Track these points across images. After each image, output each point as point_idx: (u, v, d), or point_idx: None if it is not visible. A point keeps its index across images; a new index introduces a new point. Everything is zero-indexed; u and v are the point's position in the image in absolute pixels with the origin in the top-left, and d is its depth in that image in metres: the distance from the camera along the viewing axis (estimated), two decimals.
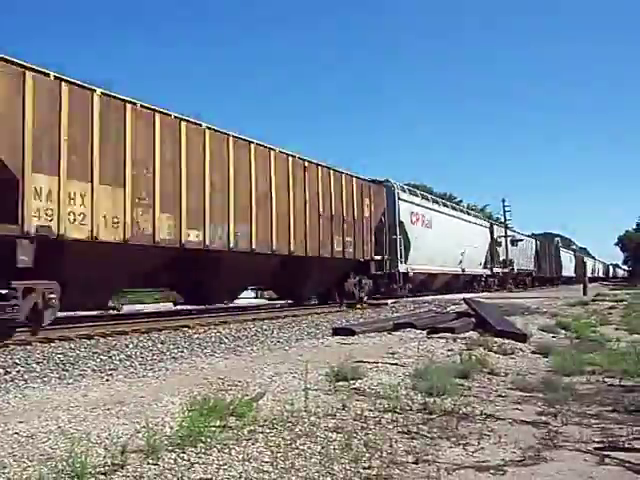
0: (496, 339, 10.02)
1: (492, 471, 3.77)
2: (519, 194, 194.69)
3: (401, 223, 26.60)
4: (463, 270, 35.12)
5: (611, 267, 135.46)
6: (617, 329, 12.84)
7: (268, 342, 11.45)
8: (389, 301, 23.37)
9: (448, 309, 18.14)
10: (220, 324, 14.58)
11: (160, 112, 13.78)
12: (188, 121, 14.59)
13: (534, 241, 57.04)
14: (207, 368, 7.65)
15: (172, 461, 3.66)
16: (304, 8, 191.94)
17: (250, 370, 7.27)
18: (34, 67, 11.06)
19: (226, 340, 11.82)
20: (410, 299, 24.60)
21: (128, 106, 12.80)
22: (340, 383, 6.18)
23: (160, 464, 3.60)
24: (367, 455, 3.93)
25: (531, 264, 54.42)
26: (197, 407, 4.47)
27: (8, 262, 10.33)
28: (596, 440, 4.46)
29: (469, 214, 40.60)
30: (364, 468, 3.72)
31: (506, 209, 46.91)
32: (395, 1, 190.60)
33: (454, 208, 38.32)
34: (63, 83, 11.44)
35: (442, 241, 31.14)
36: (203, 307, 18.28)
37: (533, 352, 9.32)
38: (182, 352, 10.10)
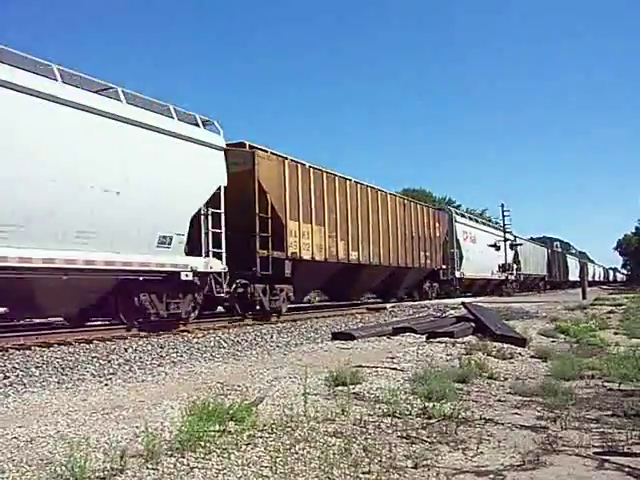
0: (495, 343, 10.01)
1: (491, 476, 3.76)
2: (517, 198, 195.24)
3: (457, 240, 34.59)
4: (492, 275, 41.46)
5: (610, 271, 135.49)
6: (616, 333, 12.84)
7: (267, 346, 11.45)
8: (388, 305, 23.50)
9: (447, 313, 18.16)
10: (219, 328, 14.58)
11: (338, 176, 22.24)
12: (348, 179, 23.06)
13: (546, 249, 63.38)
14: (206, 372, 7.65)
15: (171, 466, 3.66)
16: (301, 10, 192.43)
17: (249, 374, 7.27)
18: (287, 157, 19.36)
19: (225, 344, 11.82)
20: (409, 304, 24.75)
21: (324, 174, 21.18)
22: (339, 388, 6.18)
23: (159, 469, 3.60)
24: (366, 460, 3.93)
25: (544, 270, 60.61)
26: (196, 412, 4.46)
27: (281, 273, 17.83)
28: (596, 445, 4.46)
29: (496, 227, 46.60)
30: (363, 473, 3.72)
31: (505, 213, 46.73)
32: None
33: (484, 224, 45.16)
34: (298, 164, 19.82)
35: (481, 253, 38.25)
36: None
37: (532, 356, 9.31)
38: (181, 357, 10.10)
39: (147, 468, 3.60)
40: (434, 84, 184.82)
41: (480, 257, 37.70)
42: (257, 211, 17.08)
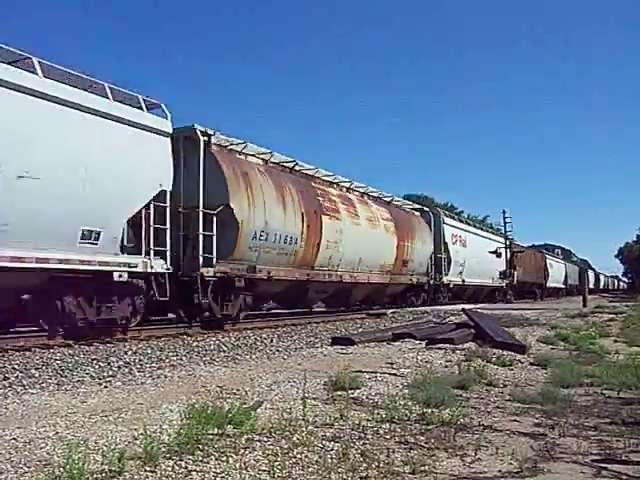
0: (495, 350, 10.02)
1: None
2: (520, 205, 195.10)
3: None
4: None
5: (611, 279, 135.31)
6: (616, 341, 12.84)
7: (267, 351, 11.44)
8: (389, 311, 23.36)
9: (447, 320, 18.14)
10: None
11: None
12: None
13: (564, 264, 68.01)
14: (206, 376, 7.65)
15: (169, 468, 3.67)
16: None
17: (248, 378, 7.27)
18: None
19: (225, 348, 11.81)
20: (409, 309, 24.66)
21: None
22: (338, 392, 6.19)
23: (157, 471, 3.60)
24: (364, 465, 3.93)
25: (561, 282, 65.04)
26: (195, 415, 4.47)
27: None
28: (593, 452, 4.46)
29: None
30: (361, 478, 3.73)
31: (507, 220, 46.70)
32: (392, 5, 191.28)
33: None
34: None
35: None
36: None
37: (532, 363, 9.31)
38: (181, 360, 10.09)
39: (145, 471, 3.61)
40: (438, 89, 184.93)
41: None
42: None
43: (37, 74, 10.93)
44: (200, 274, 14.62)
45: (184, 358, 10.28)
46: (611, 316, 21.63)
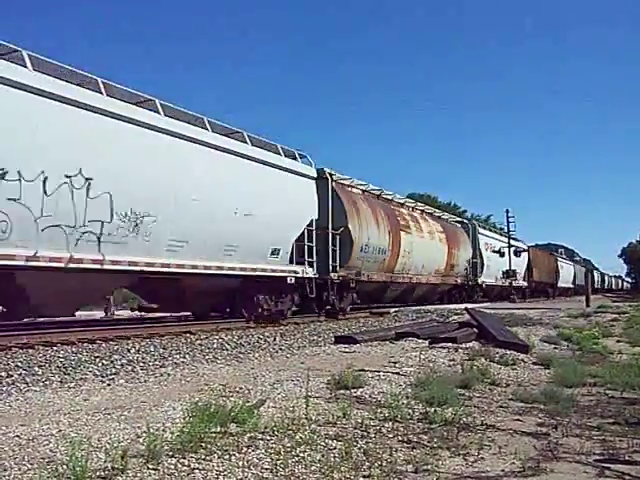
0: (498, 350, 10.01)
1: None
2: (523, 204, 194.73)
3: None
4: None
5: (614, 279, 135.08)
6: (619, 341, 12.84)
7: (270, 349, 11.45)
8: (392, 310, 23.40)
9: (450, 319, 18.13)
10: (222, 330, 14.57)
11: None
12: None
13: (573, 266, 71.09)
14: (209, 374, 7.66)
15: (172, 466, 3.67)
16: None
17: (252, 377, 7.28)
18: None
19: (228, 346, 11.81)
20: (413, 308, 24.66)
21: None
22: (341, 391, 6.20)
23: (160, 469, 3.61)
24: (367, 464, 3.94)
25: (570, 282, 67.81)
26: (198, 413, 4.47)
27: None
28: (596, 452, 4.46)
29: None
30: (364, 477, 3.73)
31: (510, 220, 46.66)
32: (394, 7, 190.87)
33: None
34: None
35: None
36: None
37: (535, 363, 9.31)
38: (184, 358, 10.09)
39: (148, 468, 3.61)
40: (441, 90, 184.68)
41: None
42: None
43: (247, 143, 16.17)
44: (330, 278, 19.91)
45: (187, 356, 10.28)
46: (614, 316, 21.61)
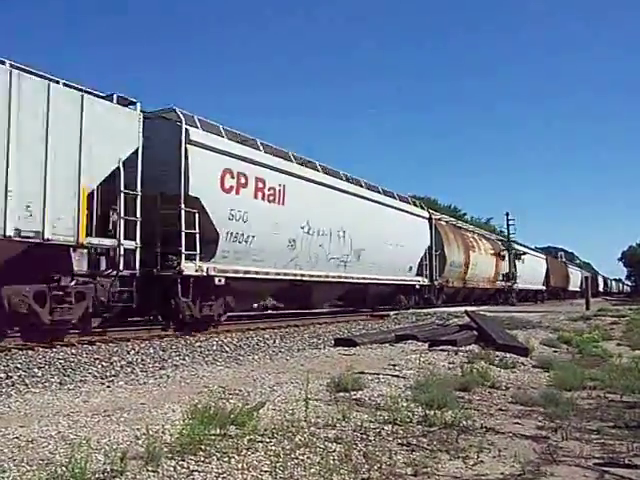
0: (497, 352, 10.00)
1: None
2: (523, 207, 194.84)
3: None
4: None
5: (614, 282, 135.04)
6: (619, 344, 12.82)
7: (270, 351, 11.45)
8: (391, 313, 23.47)
9: (450, 322, 18.13)
10: (222, 332, 14.58)
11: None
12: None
13: (580, 272, 78.25)
14: (208, 376, 7.65)
15: (172, 469, 3.66)
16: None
17: (251, 379, 7.27)
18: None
19: (228, 349, 11.82)
20: (411, 311, 24.84)
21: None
22: (341, 394, 6.19)
23: (159, 471, 3.60)
24: (366, 466, 3.93)
25: (578, 286, 73.17)
26: (197, 415, 4.47)
27: None
28: (596, 456, 4.45)
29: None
30: (363, 479, 3.72)
31: (510, 223, 46.67)
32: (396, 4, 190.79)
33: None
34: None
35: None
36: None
37: (534, 366, 9.30)
38: (184, 360, 10.10)
39: (147, 470, 3.60)
40: (442, 93, 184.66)
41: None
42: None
43: (380, 193, 25.29)
44: (434, 285, 29.93)
45: (187, 358, 10.30)
46: (614, 319, 21.61)
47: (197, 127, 14.66)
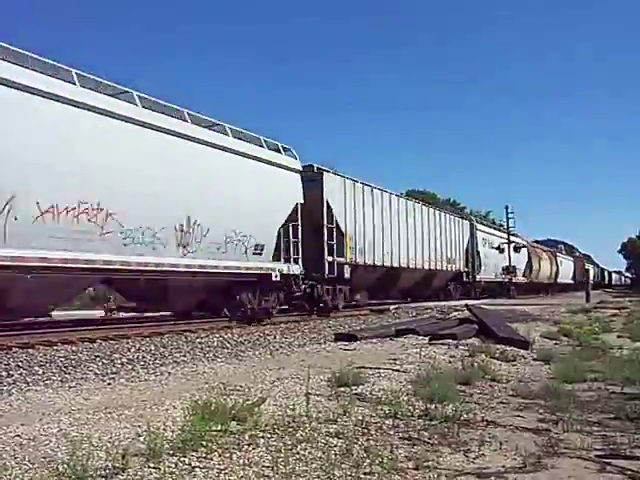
0: (498, 346, 10.02)
1: (493, 478, 3.77)
2: (522, 200, 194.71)
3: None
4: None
5: (614, 274, 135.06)
6: (620, 336, 12.83)
7: (270, 347, 11.46)
8: (391, 307, 23.44)
9: (450, 315, 18.14)
10: (223, 329, 14.59)
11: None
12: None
13: (592, 267, 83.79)
14: (209, 373, 7.66)
15: (173, 465, 3.67)
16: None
17: (252, 375, 7.28)
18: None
19: (228, 345, 11.82)
20: (413, 305, 24.74)
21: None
22: (342, 389, 6.19)
23: (161, 468, 3.60)
24: (368, 461, 3.93)
25: (569, 277, 74.76)
26: (198, 411, 4.47)
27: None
28: (597, 448, 4.46)
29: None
30: (365, 474, 3.72)
31: (509, 216, 46.76)
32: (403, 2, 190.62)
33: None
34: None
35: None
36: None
37: (535, 359, 9.32)
38: (184, 356, 10.11)
39: (149, 467, 3.61)
40: (440, 85, 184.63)
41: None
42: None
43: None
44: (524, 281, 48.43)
45: (187, 355, 10.30)
46: (614, 311, 21.63)
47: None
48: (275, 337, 13.34)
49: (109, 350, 10.38)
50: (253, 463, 3.80)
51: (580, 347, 10.62)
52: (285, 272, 17.58)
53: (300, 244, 18.25)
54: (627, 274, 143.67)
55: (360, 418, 5.05)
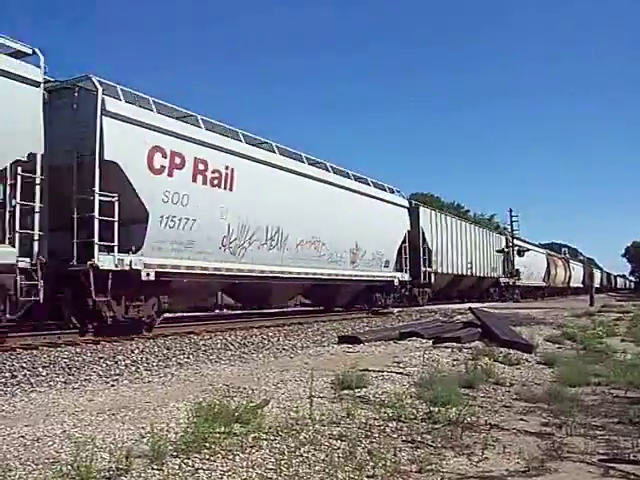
0: (502, 349, 9.99)
1: None
2: (526, 204, 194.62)
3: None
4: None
5: (618, 278, 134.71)
6: (623, 340, 12.79)
7: (274, 349, 11.45)
8: (395, 310, 23.47)
9: (454, 319, 18.10)
10: (226, 331, 14.59)
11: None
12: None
13: (599, 272, 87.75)
14: (212, 374, 7.66)
15: (176, 466, 3.67)
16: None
17: (255, 377, 7.28)
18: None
19: (232, 347, 11.82)
20: (415, 308, 24.82)
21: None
22: (345, 391, 6.19)
23: (164, 469, 3.61)
24: (371, 464, 3.93)
25: (596, 283, 76.61)
26: (202, 413, 4.47)
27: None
28: (601, 452, 4.46)
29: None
30: (368, 477, 3.73)
31: (514, 219, 46.70)
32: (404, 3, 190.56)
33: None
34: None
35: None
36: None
37: (539, 362, 9.30)
38: (188, 358, 10.11)
39: (152, 469, 3.61)
40: (444, 89, 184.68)
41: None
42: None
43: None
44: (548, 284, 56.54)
45: (191, 357, 10.30)
46: (618, 315, 21.56)
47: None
48: (278, 340, 13.34)
49: (113, 351, 10.39)
50: (256, 465, 3.80)
51: (584, 351, 10.60)
52: (400, 279, 25.37)
53: (408, 259, 25.79)
54: (631, 278, 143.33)
55: (363, 421, 5.05)
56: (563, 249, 73.47)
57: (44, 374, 8.30)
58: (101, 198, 11.93)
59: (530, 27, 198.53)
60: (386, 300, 24.69)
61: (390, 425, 4.99)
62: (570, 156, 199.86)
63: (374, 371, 7.57)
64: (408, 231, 25.64)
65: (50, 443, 4.14)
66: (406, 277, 25.67)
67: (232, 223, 15.43)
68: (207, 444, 4.03)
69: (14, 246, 10.36)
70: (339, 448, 4.24)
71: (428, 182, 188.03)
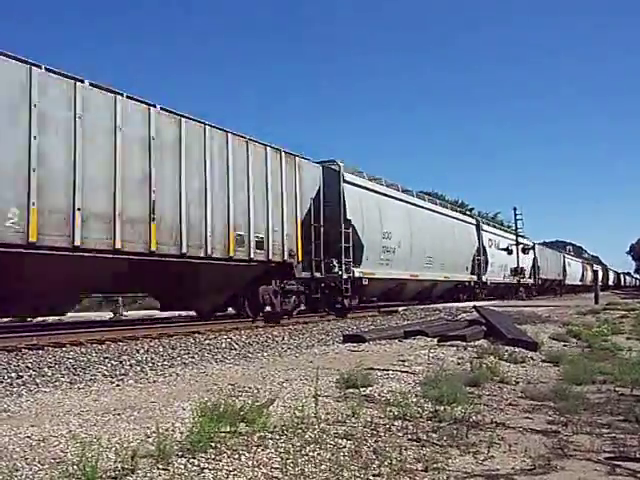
0: (507, 347, 9.98)
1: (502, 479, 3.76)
2: (530, 201, 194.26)
3: (483, 247, 39.85)
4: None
5: (623, 275, 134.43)
6: (629, 338, 12.77)
7: (279, 348, 11.46)
8: (400, 308, 23.44)
9: (459, 317, 18.08)
10: (231, 330, 14.62)
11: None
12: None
13: (581, 263, 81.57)
14: (217, 374, 7.66)
15: (182, 466, 3.67)
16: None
17: (260, 376, 7.28)
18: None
19: (237, 346, 11.83)
20: (420, 307, 24.76)
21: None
22: (350, 390, 6.18)
23: (170, 469, 3.61)
24: (377, 462, 3.93)
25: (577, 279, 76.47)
26: (207, 413, 4.47)
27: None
28: (607, 450, 4.44)
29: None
30: (374, 475, 3.73)
31: (518, 217, 46.65)
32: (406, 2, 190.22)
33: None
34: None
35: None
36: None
37: (544, 361, 9.28)
38: (193, 358, 10.12)
39: (158, 468, 3.61)
40: (447, 88, 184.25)
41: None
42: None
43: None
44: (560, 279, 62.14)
45: (196, 356, 10.31)
46: (623, 313, 21.51)
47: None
48: (283, 339, 13.34)
49: (118, 351, 10.41)
50: (262, 464, 3.80)
51: (589, 349, 10.58)
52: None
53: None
54: (636, 275, 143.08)
55: (369, 419, 5.05)
56: (568, 247, 73.32)
57: (49, 374, 8.32)
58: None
59: (531, 23, 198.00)
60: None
61: (396, 424, 4.99)
62: (575, 153, 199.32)
63: (379, 370, 7.56)
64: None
65: (56, 443, 4.14)
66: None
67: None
68: (213, 444, 4.03)
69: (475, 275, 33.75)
70: (345, 447, 4.24)
71: (432, 180, 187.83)
